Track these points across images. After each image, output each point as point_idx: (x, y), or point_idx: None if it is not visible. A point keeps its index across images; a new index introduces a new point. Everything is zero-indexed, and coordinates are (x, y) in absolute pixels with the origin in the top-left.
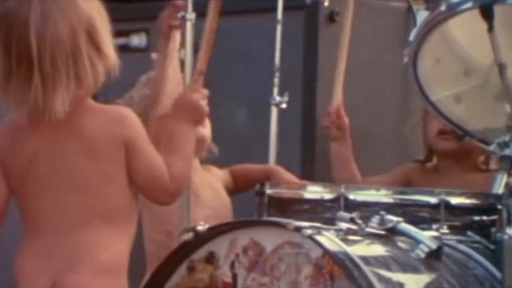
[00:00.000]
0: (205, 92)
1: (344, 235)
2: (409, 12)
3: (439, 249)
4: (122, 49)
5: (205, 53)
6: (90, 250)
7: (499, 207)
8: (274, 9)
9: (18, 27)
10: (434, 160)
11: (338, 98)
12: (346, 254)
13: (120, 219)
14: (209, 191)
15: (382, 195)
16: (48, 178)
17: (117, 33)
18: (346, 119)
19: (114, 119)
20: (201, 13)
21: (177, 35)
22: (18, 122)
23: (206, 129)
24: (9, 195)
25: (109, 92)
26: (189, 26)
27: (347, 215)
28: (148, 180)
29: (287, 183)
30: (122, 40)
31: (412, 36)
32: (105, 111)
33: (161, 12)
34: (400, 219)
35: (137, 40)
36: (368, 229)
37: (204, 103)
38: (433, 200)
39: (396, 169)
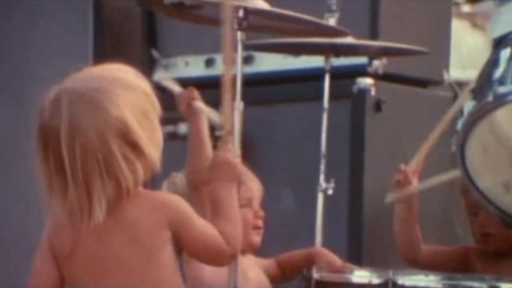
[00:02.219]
0: (237, 150)
1: None
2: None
3: None
4: (171, 137)
5: (228, 112)
6: None
7: None
8: (321, 97)
9: (52, 139)
10: None
11: (413, 164)
12: None
13: None
14: (254, 270)
15: (431, 281)
16: (92, 263)
17: (165, 121)
18: (415, 182)
19: (157, 204)
20: (248, 102)
21: (199, 104)
22: None
23: (259, 238)
24: (58, 279)
25: (157, 178)
26: (237, 115)
27: None
28: (206, 250)
29: (334, 267)
30: (170, 128)
31: (459, 125)
32: (148, 198)
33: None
34: None
35: (185, 128)
36: None
37: (237, 160)
38: (483, 286)
39: (459, 246)
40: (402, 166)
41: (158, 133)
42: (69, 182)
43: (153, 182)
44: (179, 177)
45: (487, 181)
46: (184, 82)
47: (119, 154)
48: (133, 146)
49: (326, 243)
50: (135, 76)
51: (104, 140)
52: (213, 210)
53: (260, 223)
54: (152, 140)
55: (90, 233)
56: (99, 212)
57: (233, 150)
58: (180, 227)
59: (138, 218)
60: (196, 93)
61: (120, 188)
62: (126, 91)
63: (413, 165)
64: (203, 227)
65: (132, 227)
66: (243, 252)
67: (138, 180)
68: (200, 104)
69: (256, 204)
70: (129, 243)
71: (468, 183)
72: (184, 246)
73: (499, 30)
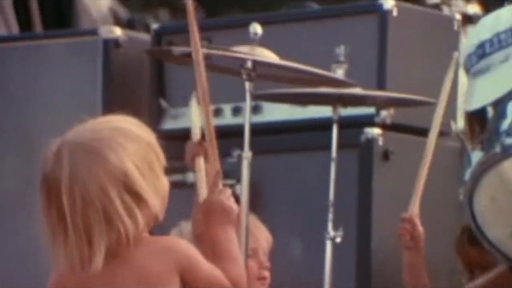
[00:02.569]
0: (228, 191)
1: None
2: (464, 152)
3: None
4: (179, 185)
5: (213, 153)
6: None
7: None
8: (329, 147)
9: (53, 190)
10: None
11: (414, 208)
12: None
13: None
14: None
15: None
16: None
17: (173, 170)
18: (420, 229)
19: (164, 248)
20: (256, 151)
21: (201, 162)
22: None
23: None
24: None
25: (165, 227)
26: (245, 164)
27: None
28: None
29: None
30: (179, 177)
31: (467, 176)
32: (154, 242)
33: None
34: None
35: (193, 176)
36: None
37: (231, 201)
38: None
39: None
40: (405, 214)
41: (162, 182)
42: (69, 231)
43: (161, 230)
44: (186, 227)
45: (496, 230)
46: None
47: (119, 203)
48: (134, 195)
49: None
50: (138, 127)
51: (104, 189)
52: (214, 255)
53: (265, 273)
54: (154, 189)
55: (94, 282)
56: (99, 259)
57: (225, 191)
58: (188, 271)
59: (146, 264)
60: (202, 147)
61: (120, 236)
62: (128, 141)
63: (415, 209)
64: (209, 270)
65: (141, 273)
66: None
67: (139, 228)
68: (201, 162)
69: (262, 254)
70: (137, 285)
71: (476, 232)
72: None
73: (475, 103)
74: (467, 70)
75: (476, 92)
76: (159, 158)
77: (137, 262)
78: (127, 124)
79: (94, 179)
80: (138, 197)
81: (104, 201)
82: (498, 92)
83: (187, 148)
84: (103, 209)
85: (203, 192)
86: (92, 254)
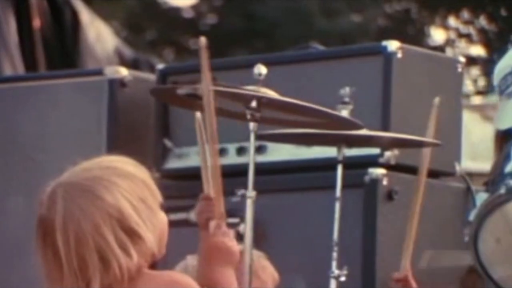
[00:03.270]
0: (232, 232)
1: None
2: (468, 193)
3: None
4: (183, 224)
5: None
6: None
7: None
8: (333, 187)
9: (49, 230)
10: None
11: (406, 265)
12: None
13: None
14: None
15: None
16: None
17: (177, 209)
18: (414, 285)
19: (165, 284)
20: (260, 190)
21: (212, 224)
22: None
23: None
24: None
25: (169, 263)
26: (249, 203)
27: None
28: None
29: None
30: (182, 215)
31: (472, 217)
32: (155, 278)
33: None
34: None
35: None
36: None
37: (234, 243)
38: None
39: None
40: (396, 274)
41: (158, 219)
42: (64, 270)
43: (165, 267)
44: (192, 261)
45: (502, 271)
46: (195, 172)
47: (112, 240)
48: (129, 232)
49: None
50: (133, 166)
51: (97, 227)
52: None
53: None
54: (151, 226)
55: None
56: None
57: (229, 233)
58: None
59: None
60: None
61: (115, 273)
62: (122, 179)
63: (406, 264)
64: None
65: None
66: None
67: (134, 265)
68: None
69: None
70: None
71: (482, 274)
72: None
73: (507, 122)
74: (502, 91)
75: (509, 111)
76: (155, 195)
77: None
78: (121, 163)
79: (88, 217)
80: (133, 234)
81: (97, 239)
82: None
83: (198, 209)
84: (96, 247)
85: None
86: None
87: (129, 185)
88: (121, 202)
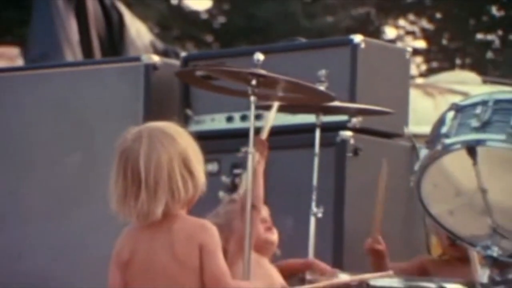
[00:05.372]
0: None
1: None
2: (414, 149)
3: None
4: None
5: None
6: None
7: None
8: (312, 146)
9: (132, 158)
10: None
11: (375, 232)
12: None
13: None
14: (274, 270)
15: (394, 282)
16: (144, 269)
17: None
18: (383, 247)
19: (197, 226)
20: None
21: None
22: (133, 227)
23: (274, 236)
24: (123, 285)
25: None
26: (250, 158)
27: None
28: (212, 280)
29: (323, 272)
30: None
31: (416, 167)
32: (190, 220)
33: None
34: None
35: (211, 167)
36: None
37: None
38: (432, 286)
39: (416, 258)
40: (369, 240)
41: (201, 172)
42: (142, 188)
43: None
44: (223, 210)
45: (437, 208)
46: (210, 134)
47: (178, 173)
48: (189, 170)
49: (316, 255)
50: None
51: (171, 160)
52: None
53: (268, 224)
54: (200, 169)
55: (144, 241)
56: (159, 211)
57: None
58: (205, 250)
59: (179, 232)
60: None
61: (174, 197)
62: (187, 136)
63: (375, 233)
64: (220, 260)
65: (174, 239)
66: (263, 252)
67: (188, 194)
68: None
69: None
70: (168, 252)
71: (423, 210)
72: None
73: None
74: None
75: None
76: (197, 150)
77: (173, 232)
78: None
79: (166, 152)
80: (191, 172)
81: (170, 169)
82: None
83: (258, 140)
84: (168, 175)
85: (244, 184)
86: (155, 207)
87: (191, 141)
88: (188, 147)
